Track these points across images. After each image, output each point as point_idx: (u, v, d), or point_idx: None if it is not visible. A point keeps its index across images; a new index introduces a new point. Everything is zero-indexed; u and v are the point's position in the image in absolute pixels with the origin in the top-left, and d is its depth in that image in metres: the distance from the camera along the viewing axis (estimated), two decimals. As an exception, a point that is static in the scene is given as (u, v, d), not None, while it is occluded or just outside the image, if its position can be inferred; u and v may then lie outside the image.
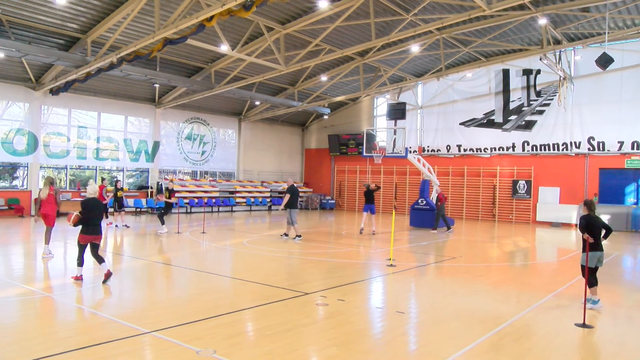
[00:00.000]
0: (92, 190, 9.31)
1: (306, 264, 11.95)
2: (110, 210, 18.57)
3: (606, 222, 8.25)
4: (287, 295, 8.27)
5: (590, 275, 7.91)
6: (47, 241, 11.50)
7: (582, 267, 8.00)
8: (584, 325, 6.89)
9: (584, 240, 7.90)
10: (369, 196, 18.15)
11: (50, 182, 11.56)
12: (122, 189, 19.54)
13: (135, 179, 26.78)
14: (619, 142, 23.06)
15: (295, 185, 16.23)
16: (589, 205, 8.20)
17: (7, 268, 10.61)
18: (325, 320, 7.12)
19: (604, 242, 8.16)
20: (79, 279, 8.90)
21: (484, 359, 5.60)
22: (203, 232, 17.23)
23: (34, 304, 7.65)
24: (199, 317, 6.83)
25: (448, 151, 28.48)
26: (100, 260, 8.93)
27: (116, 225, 18.34)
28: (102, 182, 20.71)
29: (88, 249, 8.93)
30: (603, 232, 8.07)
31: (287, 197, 15.72)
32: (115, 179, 21.90)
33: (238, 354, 5.46)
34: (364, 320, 7.25)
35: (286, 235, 16.12)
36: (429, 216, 20.66)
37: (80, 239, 8.90)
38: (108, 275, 8.77)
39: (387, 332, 6.73)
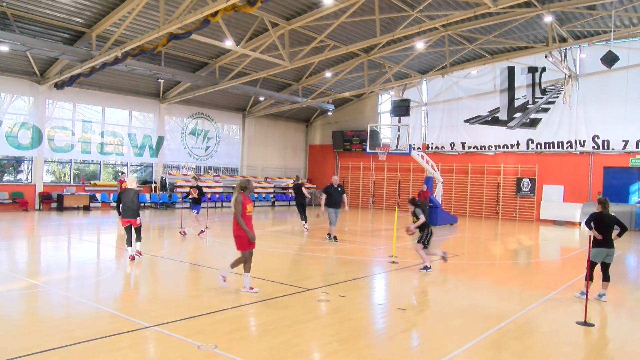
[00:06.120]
0: (129, 180, 11.18)
1: (308, 260, 11.96)
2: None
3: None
4: (289, 291, 8.29)
5: (594, 270, 8.07)
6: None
7: (591, 262, 7.98)
8: (585, 324, 6.88)
9: (594, 237, 8.05)
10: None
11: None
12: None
13: (139, 173, 26.84)
14: (623, 140, 22.93)
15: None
16: (602, 203, 8.29)
17: (11, 262, 10.68)
18: (326, 317, 7.13)
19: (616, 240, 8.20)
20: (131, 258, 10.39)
21: (485, 356, 5.60)
22: (206, 227, 17.24)
23: (38, 297, 7.69)
24: (201, 312, 6.85)
25: (452, 148, 28.41)
26: (130, 243, 10.50)
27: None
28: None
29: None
30: (618, 230, 8.17)
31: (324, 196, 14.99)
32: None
33: (239, 349, 5.47)
34: (365, 317, 7.25)
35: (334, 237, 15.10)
36: (433, 213, 20.68)
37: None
38: (132, 258, 10.35)
39: (388, 328, 6.74)
